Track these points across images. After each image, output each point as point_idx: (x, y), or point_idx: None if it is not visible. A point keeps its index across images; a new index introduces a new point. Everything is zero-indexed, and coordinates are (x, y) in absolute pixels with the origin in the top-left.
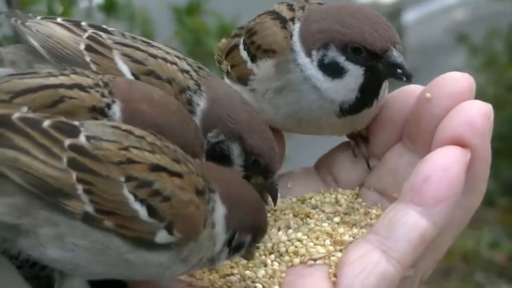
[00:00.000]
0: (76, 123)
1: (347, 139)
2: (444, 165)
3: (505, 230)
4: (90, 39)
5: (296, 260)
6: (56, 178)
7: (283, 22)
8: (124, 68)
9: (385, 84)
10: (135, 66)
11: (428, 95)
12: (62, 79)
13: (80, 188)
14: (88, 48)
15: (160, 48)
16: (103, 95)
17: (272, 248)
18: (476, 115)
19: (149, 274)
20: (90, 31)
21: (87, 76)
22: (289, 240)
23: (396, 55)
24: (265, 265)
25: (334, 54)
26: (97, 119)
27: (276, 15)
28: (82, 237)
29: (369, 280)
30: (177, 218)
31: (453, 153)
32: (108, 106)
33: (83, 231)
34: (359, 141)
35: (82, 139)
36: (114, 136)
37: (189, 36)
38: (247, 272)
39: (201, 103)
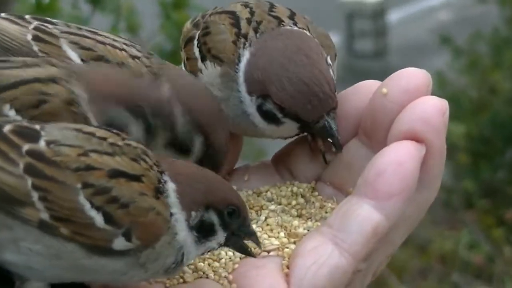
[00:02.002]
0: (37, 127)
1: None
2: (398, 160)
3: (483, 232)
4: (36, 30)
5: None
6: (11, 185)
7: (237, 34)
8: (73, 54)
9: None
10: (84, 53)
11: (384, 90)
12: (38, 71)
13: (35, 195)
14: (36, 38)
15: (107, 36)
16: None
17: None
18: (431, 110)
19: (104, 279)
20: (35, 22)
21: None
22: None
23: (327, 126)
24: (218, 257)
25: (271, 107)
26: (75, 113)
27: (235, 21)
28: (37, 243)
29: (322, 272)
30: (135, 225)
31: (408, 148)
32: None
33: (38, 237)
34: (316, 135)
35: (41, 144)
36: (75, 140)
37: (174, 29)
38: (199, 264)
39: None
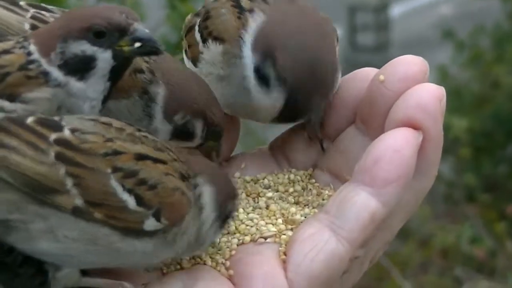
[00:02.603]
0: (56, 118)
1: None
2: (395, 147)
3: (485, 226)
4: (34, 19)
5: (247, 238)
6: (45, 175)
7: (240, 12)
8: None
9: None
10: None
11: (381, 77)
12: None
13: (69, 182)
14: (33, 27)
15: None
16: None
17: None
18: (428, 97)
19: (136, 262)
20: (32, 10)
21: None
22: (240, 219)
23: (315, 110)
24: (215, 243)
25: (269, 67)
26: (29, 77)
27: (235, 2)
28: (72, 229)
29: (319, 258)
30: (163, 205)
31: (405, 135)
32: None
33: (73, 223)
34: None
35: (66, 132)
36: (95, 128)
37: (180, 21)
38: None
39: (160, 91)
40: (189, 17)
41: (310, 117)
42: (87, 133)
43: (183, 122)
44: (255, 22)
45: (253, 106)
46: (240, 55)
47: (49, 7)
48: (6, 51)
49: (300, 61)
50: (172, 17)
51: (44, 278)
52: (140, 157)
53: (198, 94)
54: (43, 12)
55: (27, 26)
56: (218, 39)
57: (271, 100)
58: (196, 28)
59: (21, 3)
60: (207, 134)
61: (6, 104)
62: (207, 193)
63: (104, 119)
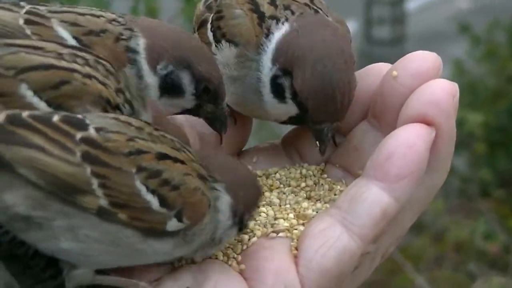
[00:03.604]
0: (80, 116)
1: None
2: (408, 142)
3: (500, 221)
4: (28, 13)
5: (258, 233)
6: (71, 174)
7: (261, 18)
8: (65, 34)
9: None
10: (74, 29)
11: (394, 73)
12: (75, 66)
13: (95, 182)
14: (27, 21)
15: (84, 8)
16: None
17: None
18: (441, 93)
19: (155, 260)
20: (28, 6)
21: (105, 76)
22: None
23: (325, 133)
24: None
25: (285, 83)
26: (105, 110)
27: (255, 6)
28: (95, 229)
29: (330, 254)
30: (186, 206)
31: (417, 131)
32: (124, 105)
33: (96, 224)
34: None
35: (92, 131)
36: (118, 127)
37: (194, 13)
38: None
39: (140, 43)
40: (200, 7)
41: (322, 132)
42: (110, 132)
43: (167, 73)
44: (279, 31)
45: (265, 110)
46: (258, 61)
47: (48, 4)
48: None
49: (319, 86)
50: (187, 10)
51: (56, 271)
52: (161, 156)
53: (181, 41)
54: (38, 7)
55: (21, 22)
56: (232, 42)
57: (283, 110)
58: (209, 26)
59: (21, 3)
60: (202, 92)
61: None
62: (225, 202)
63: (123, 117)
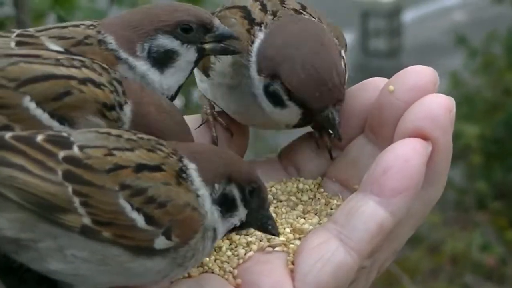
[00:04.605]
0: (66, 133)
1: (310, 130)
2: (404, 157)
3: (496, 233)
4: (19, 36)
5: (254, 247)
6: (52, 194)
7: (251, 24)
8: (56, 48)
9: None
10: (64, 43)
11: (391, 87)
12: (73, 71)
13: (76, 200)
14: (19, 43)
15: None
16: (117, 94)
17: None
18: (438, 108)
19: (149, 281)
20: (18, 31)
21: (99, 74)
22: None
23: (331, 117)
24: (224, 252)
25: (278, 89)
26: (105, 116)
27: (246, 14)
28: (82, 249)
29: (326, 268)
30: (174, 223)
31: (414, 145)
32: (120, 105)
33: (82, 243)
34: (323, 131)
35: (75, 150)
36: (97, 141)
37: None
38: (204, 259)
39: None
40: None
41: (328, 118)
42: (90, 147)
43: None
44: (259, 38)
45: (265, 118)
46: (249, 67)
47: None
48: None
49: (304, 75)
50: None
51: (50, 285)
52: (139, 168)
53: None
54: (28, 29)
55: (13, 44)
56: None
57: (286, 115)
58: None
59: (13, 30)
60: None
61: None
62: (192, 172)
63: (103, 129)
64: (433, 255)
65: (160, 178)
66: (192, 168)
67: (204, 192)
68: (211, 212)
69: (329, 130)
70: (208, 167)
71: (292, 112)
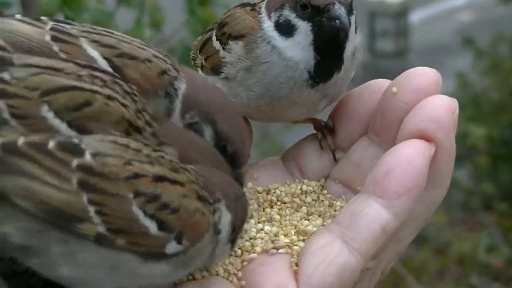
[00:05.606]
0: (76, 140)
1: (314, 131)
2: (407, 158)
3: (503, 234)
4: (53, 30)
5: (258, 249)
6: (67, 203)
7: (252, 6)
8: (94, 53)
9: (353, 47)
10: (105, 50)
11: (394, 89)
12: (97, 88)
13: (92, 209)
14: (54, 38)
15: (124, 36)
16: (146, 123)
17: None
18: (441, 110)
19: (156, 283)
20: (51, 23)
21: (123, 97)
22: (252, 229)
23: (336, 8)
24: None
25: (287, 13)
26: (129, 134)
27: (245, 4)
28: (93, 256)
29: (330, 270)
30: (185, 228)
31: (417, 147)
32: (145, 128)
33: (95, 250)
34: (326, 133)
35: (87, 157)
36: (115, 150)
37: (199, 26)
38: None
39: (181, 87)
40: (198, 38)
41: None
42: (107, 155)
43: (191, 122)
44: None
45: (289, 75)
46: (263, 29)
47: (69, 21)
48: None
49: None
50: (191, 22)
51: None
52: (159, 178)
53: (214, 99)
54: (62, 25)
55: (48, 38)
56: (237, 37)
57: (299, 48)
58: (214, 37)
59: (42, 18)
60: (221, 151)
61: None
62: (226, 220)
63: (122, 140)
64: (439, 256)
65: (180, 191)
66: (227, 218)
67: (225, 237)
68: (223, 248)
69: (337, 22)
70: (238, 219)
71: (301, 34)
